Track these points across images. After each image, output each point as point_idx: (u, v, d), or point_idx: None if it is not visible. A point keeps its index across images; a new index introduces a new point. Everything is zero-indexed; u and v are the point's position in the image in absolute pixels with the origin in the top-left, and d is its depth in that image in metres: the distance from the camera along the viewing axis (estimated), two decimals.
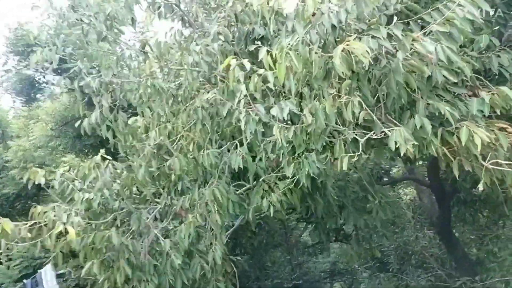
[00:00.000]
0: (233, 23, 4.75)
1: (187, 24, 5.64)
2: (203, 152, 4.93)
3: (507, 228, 9.20)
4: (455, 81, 3.43)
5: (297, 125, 3.55)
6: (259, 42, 4.25)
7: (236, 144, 4.83)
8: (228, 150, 4.80)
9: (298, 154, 3.88)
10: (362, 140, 3.46)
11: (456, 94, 3.92)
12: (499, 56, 4.33)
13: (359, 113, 3.20)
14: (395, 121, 3.61)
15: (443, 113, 3.30)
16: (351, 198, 5.96)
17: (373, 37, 3.07)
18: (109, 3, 4.97)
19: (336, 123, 3.52)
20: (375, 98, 3.58)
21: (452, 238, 8.98)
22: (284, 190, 4.88)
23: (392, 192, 11.05)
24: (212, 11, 5.54)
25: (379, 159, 7.50)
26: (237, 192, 5.37)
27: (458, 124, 3.45)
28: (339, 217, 6.45)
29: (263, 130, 3.97)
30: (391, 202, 6.39)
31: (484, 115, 3.47)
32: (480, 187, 3.42)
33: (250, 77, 3.78)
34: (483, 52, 4.65)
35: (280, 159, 4.22)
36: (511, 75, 4.49)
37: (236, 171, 5.02)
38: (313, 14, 3.08)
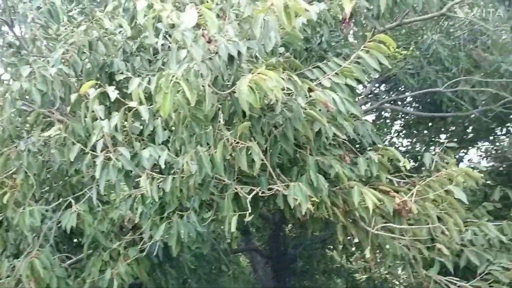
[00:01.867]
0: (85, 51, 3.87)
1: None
2: (22, 210, 3.69)
3: None
4: (344, 137, 3.24)
5: (175, 176, 2.81)
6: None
7: (70, 201, 3.77)
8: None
9: (169, 214, 3.09)
10: (249, 197, 2.91)
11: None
12: (363, 123, 4.45)
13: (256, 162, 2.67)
14: (284, 177, 3.19)
15: (337, 171, 3.03)
16: (207, 268, 5.24)
17: None
18: None
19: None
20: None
21: None
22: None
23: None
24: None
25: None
26: (67, 263, 4.17)
27: (347, 184, 3.22)
28: None
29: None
30: (243, 272, 5.87)
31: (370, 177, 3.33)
32: (367, 253, 3.17)
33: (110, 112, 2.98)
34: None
35: (138, 220, 3.33)
36: (369, 144, 4.69)
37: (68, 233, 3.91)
38: (209, 41, 2.54)
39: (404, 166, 3.25)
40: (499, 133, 7.50)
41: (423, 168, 4.31)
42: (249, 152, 2.68)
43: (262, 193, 3.03)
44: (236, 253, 10.99)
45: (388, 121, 9.39)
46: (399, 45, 7.72)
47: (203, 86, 2.55)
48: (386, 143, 8.98)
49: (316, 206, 3.05)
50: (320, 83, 3.08)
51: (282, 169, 3.42)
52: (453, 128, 8.06)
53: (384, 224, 3.12)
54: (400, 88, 7.82)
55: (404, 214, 3.22)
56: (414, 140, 8.93)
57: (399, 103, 8.25)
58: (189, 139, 2.84)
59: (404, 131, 9.05)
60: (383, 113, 9.11)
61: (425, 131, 8.60)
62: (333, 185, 3.32)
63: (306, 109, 2.86)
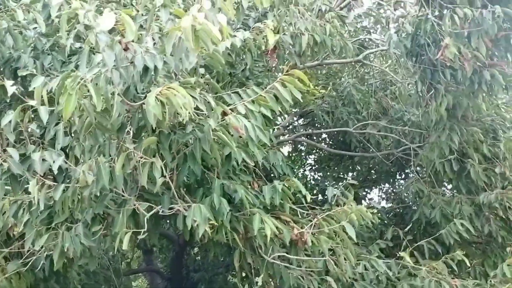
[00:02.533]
0: None
1: None
2: None
3: None
4: (253, 164, 3.28)
5: (68, 184, 2.63)
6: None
7: None
8: None
9: (56, 225, 2.86)
10: (147, 215, 2.80)
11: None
12: (275, 153, 4.55)
13: (159, 179, 2.59)
14: (189, 199, 3.12)
15: (240, 196, 3.03)
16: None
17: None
18: None
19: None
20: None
21: None
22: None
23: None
24: None
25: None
26: None
27: (249, 211, 3.24)
28: None
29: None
30: None
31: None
32: (259, 281, 3.18)
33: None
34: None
35: (22, 229, 3.04)
36: (279, 174, 4.80)
37: None
38: (126, 48, 2.46)
39: (305, 198, 3.35)
40: (398, 177, 8.07)
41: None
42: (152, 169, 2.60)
43: (163, 212, 2.95)
44: (135, 273, 10.54)
45: (303, 154, 9.75)
46: (319, 84, 8.16)
47: (112, 93, 2.44)
48: (300, 175, 9.28)
49: (216, 230, 3.01)
50: (235, 108, 3.11)
51: (189, 189, 3.37)
52: (359, 167, 8.54)
53: (279, 254, 3.16)
54: (316, 124, 8.19)
55: (300, 245, 3.30)
56: (325, 174, 9.32)
57: (315, 138, 8.61)
58: (90, 148, 2.69)
59: (316, 166, 9.41)
60: (299, 146, 9.46)
61: (335, 168, 9.01)
62: (237, 210, 3.32)
63: (217, 132, 2.85)
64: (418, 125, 6.35)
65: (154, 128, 2.59)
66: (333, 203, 3.98)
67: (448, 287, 4.40)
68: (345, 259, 3.50)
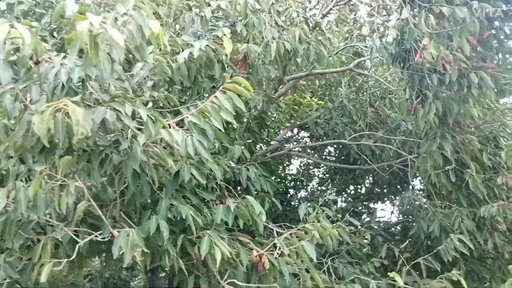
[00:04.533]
0: None
1: None
2: None
3: None
4: (204, 182, 2.99)
5: None
6: None
7: None
8: None
9: None
10: (81, 242, 2.54)
11: (205, 200, 3.51)
12: (247, 169, 4.25)
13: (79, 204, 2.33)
14: (130, 222, 2.85)
15: (184, 217, 2.74)
16: None
17: (113, 109, 2.39)
18: None
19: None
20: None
21: None
22: None
23: None
24: None
25: (109, 268, 6.44)
26: None
27: (201, 233, 2.94)
28: None
29: None
30: None
31: (227, 227, 3.07)
32: None
33: None
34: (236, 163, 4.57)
35: None
36: (257, 190, 4.48)
37: None
38: (37, 62, 2.24)
39: (260, 216, 3.03)
40: (400, 189, 7.60)
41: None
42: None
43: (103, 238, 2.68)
44: None
45: (311, 168, 9.36)
46: (317, 95, 7.83)
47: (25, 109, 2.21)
48: (309, 189, 8.86)
49: (160, 255, 2.72)
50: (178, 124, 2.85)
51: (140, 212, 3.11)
52: (361, 180, 8.11)
53: (232, 280, 2.83)
54: (314, 137, 7.84)
55: (260, 269, 2.97)
56: (328, 188, 8.91)
57: (312, 151, 8.24)
58: (15, 171, 2.46)
59: (320, 180, 9.02)
60: (305, 160, 9.11)
61: (340, 181, 8.59)
62: (191, 232, 3.03)
63: (154, 148, 2.59)
64: (416, 135, 5.93)
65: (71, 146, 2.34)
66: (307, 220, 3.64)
67: None
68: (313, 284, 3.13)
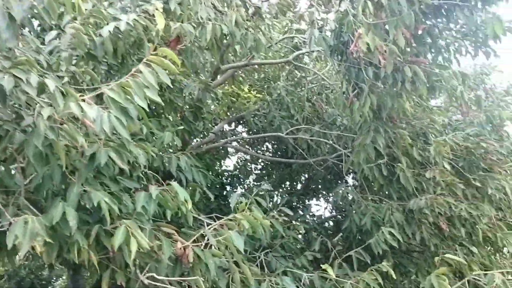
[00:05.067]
0: None
1: None
2: None
3: None
4: (124, 167, 2.68)
5: None
6: None
7: None
8: None
9: None
10: None
11: (129, 189, 3.19)
12: (179, 158, 3.98)
13: None
14: (35, 210, 2.48)
15: (96, 205, 2.43)
16: None
17: (13, 76, 2.03)
18: None
19: None
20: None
21: None
22: None
23: None
24: None
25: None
26: None
27: (119, 223, 2.63)
28: None
29: None
30: None
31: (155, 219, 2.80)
32: None
33: None
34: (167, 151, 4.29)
35: None
36: (187, 180, 4.22)
37: None
38: None
39: (185, 204, 2.78)
40: (335, 184, 7.65)
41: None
42: None
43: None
44: None
45: (249, 164, 9.20)
46: (255, 88, 7.69)
47: None
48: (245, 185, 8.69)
49: (68, 248, 2.39)
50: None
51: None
52: (298, 176, 8.09)
53: (150, 274, 2.56)
54: (252, 130, 7.69)
55: (185, 262, 2.73)
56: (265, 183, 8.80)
57: (249, 144, 8.10)
58: None
59: (257, 176, 8.89)
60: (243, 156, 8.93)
61: (277, 176, 8.52)
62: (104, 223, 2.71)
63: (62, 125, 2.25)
64: (351, 130, 5.95)
65: None
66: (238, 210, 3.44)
67: None
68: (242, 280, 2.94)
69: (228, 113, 7.56)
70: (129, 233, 2.46)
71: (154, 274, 2.52)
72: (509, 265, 7.64)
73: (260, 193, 4.37)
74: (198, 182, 4.22)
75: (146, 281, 2.59)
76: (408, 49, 4.31)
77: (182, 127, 4.70)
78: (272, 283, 3.36)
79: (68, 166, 2.56)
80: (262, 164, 8.95)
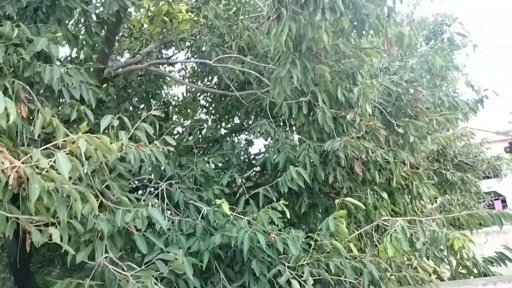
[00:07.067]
0: None
1: None
2: None
3: None
4: None
5: None
6: None
7: None
8: None
9: None
10: None
11: None
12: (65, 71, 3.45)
13: None
14: None
15: None
16: None
17: None
18: None
19: None
20: None
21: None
22: None
23: None
24: None
25: None
26: None
27: None
28: None
29: None
30: None
31: None
32: None
33: None
34: None
35: None
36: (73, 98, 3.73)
37: None
38: None
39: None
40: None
41: None
42: None
43: None
44: None
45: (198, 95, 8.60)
46: (193, 10, 6.98)
47: None
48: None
49: None
50: None
51: None
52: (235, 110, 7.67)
53: None
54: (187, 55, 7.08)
55: (13, 184, 2.32)
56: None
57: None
58: None
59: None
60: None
61: (218, 109, 8.04)
62: None
63: None
64: None
65: None
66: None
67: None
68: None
69: (162, 35, 6.89)
70: None
71: None
72: (428, 212, 7.75)
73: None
74: (87, 101, 3.74)
75: None
76: None
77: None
78: (139, 214, 3.03)
79: None
80: (202, 97, 8.46)
